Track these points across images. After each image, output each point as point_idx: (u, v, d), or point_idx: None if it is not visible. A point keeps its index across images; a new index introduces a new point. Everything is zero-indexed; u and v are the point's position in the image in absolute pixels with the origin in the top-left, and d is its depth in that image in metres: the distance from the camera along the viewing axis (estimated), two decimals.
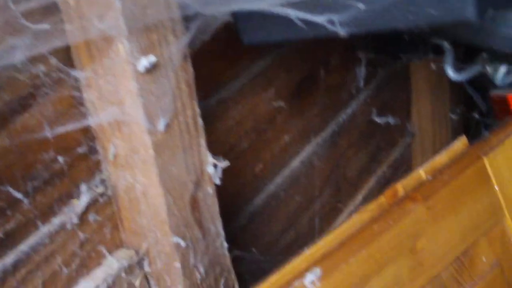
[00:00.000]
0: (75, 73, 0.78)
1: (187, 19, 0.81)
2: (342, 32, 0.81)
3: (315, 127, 1.28)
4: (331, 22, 0.80)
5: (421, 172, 0.96)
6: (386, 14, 0.78)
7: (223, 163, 0.87)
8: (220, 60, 1.01)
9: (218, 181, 0.88)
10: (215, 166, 0.87)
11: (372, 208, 0.88)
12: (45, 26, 0.72)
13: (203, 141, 0.86)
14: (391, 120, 1.50)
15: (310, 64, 1.23)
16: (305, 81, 1.21)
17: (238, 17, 0.90)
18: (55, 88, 0.77)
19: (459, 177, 0.96)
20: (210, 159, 0.87)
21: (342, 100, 1.35)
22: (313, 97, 1.25)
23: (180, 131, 0.82)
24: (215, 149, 0.88)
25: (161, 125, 0.79)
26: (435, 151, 1.68)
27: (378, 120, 1.45)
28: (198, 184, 0.85)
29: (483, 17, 0.73)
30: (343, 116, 1.36)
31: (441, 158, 0.99)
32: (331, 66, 1.29)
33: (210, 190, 0.88)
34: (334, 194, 1.37)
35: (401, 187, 0.92)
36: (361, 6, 0.75)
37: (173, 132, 0.81)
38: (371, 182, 1.52)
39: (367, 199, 1.48)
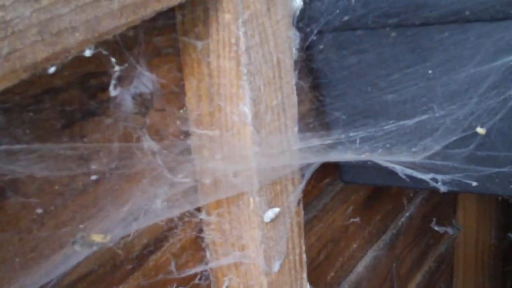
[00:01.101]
0: (202, 216, 0.85)
1: (303, 168, 0.88)
2: (443, 189, 0.88)
3: (377, 233, 1.35)
4: (435, 180, 0.88)
5: None
6: (489, 181, 0.85)
7: None
8: (308, 182, 1.07)
9: None
10: None
11: None
12: (186, 179, 0.80)
13: (305, 275, 0.93)
14: (449, 229, 1.57)
15: None
16: (374, 192, 1.28)
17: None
18: (183, 229, 0.84)
19: None
20: None
21: (401, 204, 1.42)
22: (379, 206, 1.33)
23: (289, 270, 0.89)
24: None
25: (276, 266, 0.86)
26: (478, 246, 1.76)
27: (436, 228, 1.52)
28: None
29: None
30: (401, 220, 1.43)
31: None
32: None
33: None
34: None
35: None
36: (474, 184, 0.82)
37: (284, 271, 0.88)
38: (418, 277, 1.59)
39: None
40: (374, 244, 1.35)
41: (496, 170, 0.83)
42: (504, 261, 1.89)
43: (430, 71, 0.74)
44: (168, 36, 0.73)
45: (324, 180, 1.12)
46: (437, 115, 0.76)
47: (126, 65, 0.60)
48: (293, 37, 0.79)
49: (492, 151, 0.82)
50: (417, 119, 0.77)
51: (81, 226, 0.64)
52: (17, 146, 0.50)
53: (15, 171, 0.51)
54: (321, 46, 0.83)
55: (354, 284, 1.29)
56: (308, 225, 1.09)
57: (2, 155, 0.49)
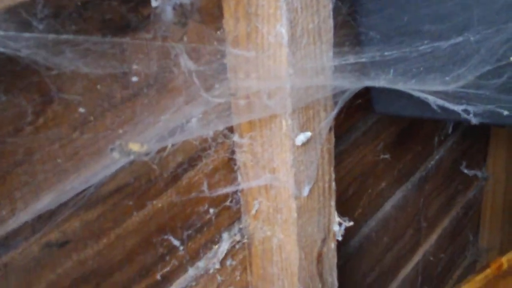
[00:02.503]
0: (235, 138, 0.86)
1: (336, 95, 0.89)
2: (474, 121, 0.88)
3: (406, 173, 1.36)
4: (466, 111, 0.88)
5: None
6: None
7: (348, 223, 0.96)
8: (340, 114, 1.08)
9: (340, 238, 0.97)
10: (340, 224, 0.96)
11: (480, 279, 0.97)
12: (220, 99, 0.81)
13: (333, 203, 0.94)
14: (478, 173, 1.58)
15: None
16: (404, 131, 1.29)
17: (374, 88, 0.96)
18: (217, 150, 0.85)
19: None
20: (336, 218, 0.95)
21: (432, 147, 1.43)
22: (408, 146, 1.33)
23: (318, 195, 0.90)
24: None
25: (305, 191, 0.87)
26: (506, 196, 1.76)
27: (466, 171, 1.53)
28: (324, 241, 0.94)
29: None
30: (431, 162, 1.44)
31: None
32: None
33: (333, 245, 0.97)
34: (414, 234, 1.46)
35: (505, 260, 1.01)
36: (506, 113, 0.83)
37: (313, 196, 0.89)
38: (446, 222, 1.60)
39: (441, 238, 1.57)
40: (403, 184, 1.36)
41: None
42: None
43: None
44: None
45: (356, 115, 1.13)
46: (471, 39, 0.76)
47: None
48: None
49: None
50: (452, 42, 0.77)
51: (120, 131, 0.66)
52: (64, 36, 0.52)
53: (61, 64, 0.53)
54: None
55: (381, 222, 1.30)
56: (338, 158, 1.11)
57: (49, 46, 0.51)
